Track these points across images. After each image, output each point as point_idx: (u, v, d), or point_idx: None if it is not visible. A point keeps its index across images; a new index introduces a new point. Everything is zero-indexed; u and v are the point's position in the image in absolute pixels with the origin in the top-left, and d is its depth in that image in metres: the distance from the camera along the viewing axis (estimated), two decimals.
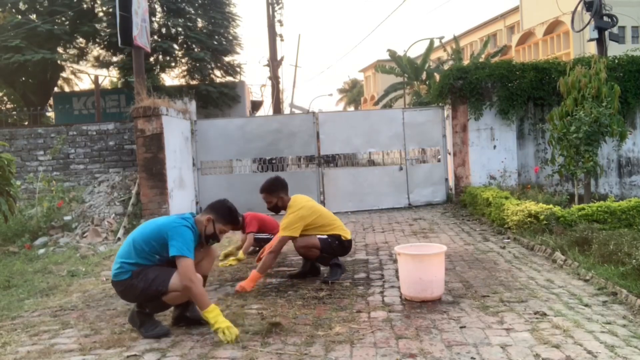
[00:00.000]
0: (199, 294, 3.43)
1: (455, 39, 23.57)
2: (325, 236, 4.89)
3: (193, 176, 10.55)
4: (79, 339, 3.65)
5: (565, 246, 5.58)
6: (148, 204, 8.77)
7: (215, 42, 16.48)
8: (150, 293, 3.47)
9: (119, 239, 7.95)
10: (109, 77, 19.85)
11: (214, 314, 3.41)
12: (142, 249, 3.56)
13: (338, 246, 4.95)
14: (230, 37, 17.16)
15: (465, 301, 4.18)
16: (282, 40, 20.59)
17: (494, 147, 10.22)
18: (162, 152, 8.85)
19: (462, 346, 3.24)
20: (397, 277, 4.71)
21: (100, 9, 16.02)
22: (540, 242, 6.01)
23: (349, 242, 5.14)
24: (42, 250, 7.35)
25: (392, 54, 23.30)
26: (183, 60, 16.76)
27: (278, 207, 4.95)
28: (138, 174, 9.08)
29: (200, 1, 16.37)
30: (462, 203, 9.95)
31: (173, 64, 16.76)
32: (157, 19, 16.02)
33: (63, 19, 15.08)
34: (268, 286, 4.88)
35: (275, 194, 4.90)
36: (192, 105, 10.79)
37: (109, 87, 20.01)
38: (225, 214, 3.75)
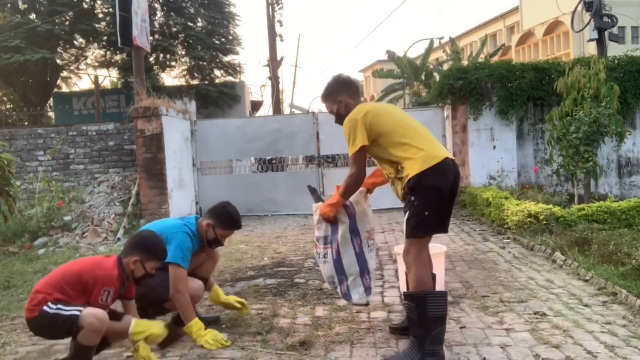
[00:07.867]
0: (184, 306, 3.40)
1: (452, 41, 23.56)
2: None
3: (193, 176, 10.55)
4: None
5: (565, 246, 5.58)
6: (148, 204, 8.78)
7: (216, 42, 16.50)
8: (150, 299, 3.46)
9: (118, 239, 7.95)
10: (109, 77, 19.88)
11: (196, 329, 3.39)
12: None
13: None
14: (231, 37, 17.18)
15: (465, 301, 4.18)
16: (282, 40, 20.62)
17: (494, 147, 10.22)
18: (162, 152, 8.85)
19: (462, 346, 3.24)
20: (397, 277, 4.71)
21: (100, 9, 16.04)
22: (540, 242, 6.01)
23: None
24: (42, 251, 7.34)
25: (391, 55, 23.25)
26: (183, 60, 16.78)
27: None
28: (138, 174, 9.09)
29: (200, 0, 16.40)
30: (461, 203, 9.94)
31: (173, 63, 16.77)
32: (157, 18, 16.04)
33: (63, 18, 15.09)
34: (268, 286, 4.88)
35: None
36: (192, 106, 10.79)
37: (109, 87, 20.00)
38: (226, 219, 3.65)
